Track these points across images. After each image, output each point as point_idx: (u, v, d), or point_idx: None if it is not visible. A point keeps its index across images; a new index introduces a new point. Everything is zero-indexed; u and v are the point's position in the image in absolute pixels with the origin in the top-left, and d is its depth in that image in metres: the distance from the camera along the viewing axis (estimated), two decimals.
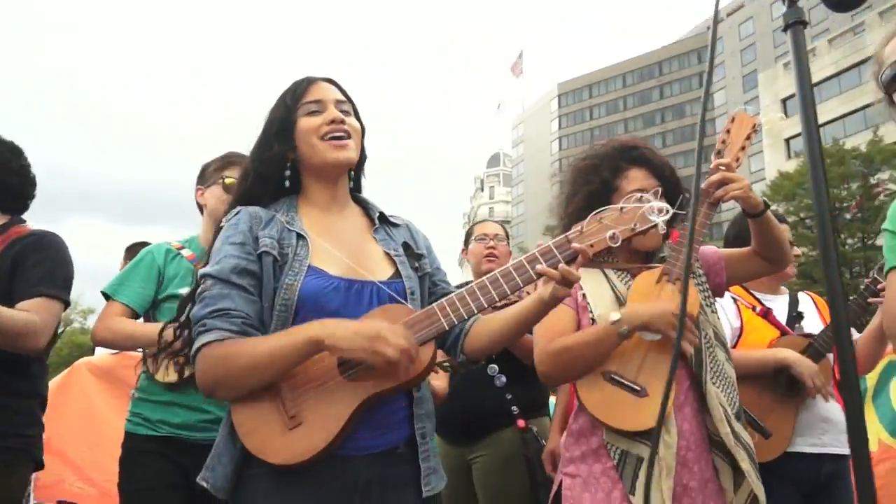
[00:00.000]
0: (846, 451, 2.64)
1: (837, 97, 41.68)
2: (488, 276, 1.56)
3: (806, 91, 1.01)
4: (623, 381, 1.87)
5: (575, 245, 1.53)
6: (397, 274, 1.69)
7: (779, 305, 2.78)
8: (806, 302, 2.86)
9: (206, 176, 2.68)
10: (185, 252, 2.62)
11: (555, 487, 2.02)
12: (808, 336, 2.62)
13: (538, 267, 1.53)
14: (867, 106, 39.03)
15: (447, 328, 1.54)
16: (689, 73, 70.67)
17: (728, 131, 2.09)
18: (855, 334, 2.81)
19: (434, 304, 1.55)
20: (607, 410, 1.87)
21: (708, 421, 1.91)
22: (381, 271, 1.68)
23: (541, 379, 2.02)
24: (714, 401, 1.90)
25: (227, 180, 2.60)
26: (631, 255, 2.13)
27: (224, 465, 1.52)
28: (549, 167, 78.34)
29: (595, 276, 2.06)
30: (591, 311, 1.99)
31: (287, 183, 1.73)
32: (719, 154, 2.05)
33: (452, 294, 1.57)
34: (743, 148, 2.04)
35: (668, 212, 1.50)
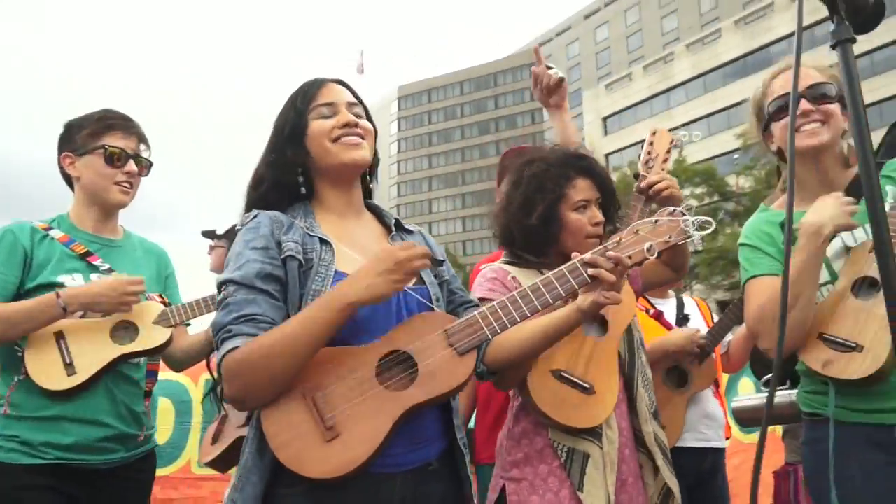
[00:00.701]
0: (724, 444, 2.89)
1: (649, 119, 46.05)
2: (529, 285, 1.54)
3: (859, 109, 1.00)
4: (572, 378, 1.88)
5: (611, 253, 1.53)
6: (420, 280, 1.65)
7: (668, 308, 2.97)
8: (691, 305, 3.10)
9: (79, 142, 2.20)
10: (55, 233, 2.15)
11: (495, 494, 1.95)
12: None
13: (591, 270, 1.52)
14: (674, 129, 43.58)
15: (490, 338, 1.51)
16: (522, 86, 74.57)
17: (651, 143, 2.24)
18: (729, 336, 3.07)
19: (475, 313, 1.52)
20: (558, 408, 1.87)
21: (634, 420, 1.98)
22: None
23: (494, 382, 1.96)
24: (642, 402, 1.98)
25: (111, 149, 2.19)
26: (564, 259, 2.12)
27: (254, 485, 1.40)
28: (387, 169, 78.75)
29: (533, 277, 2.03)
30: None
31: (303, 189, 1.67)
32: (647, 164, 2.18)
33: (494, 303, 1.54)
34: (665, 160, 2.19)
35: (704, 226, 1.53)
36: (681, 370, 2.75)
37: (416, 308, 1.57)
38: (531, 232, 2.02)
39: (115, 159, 2.20)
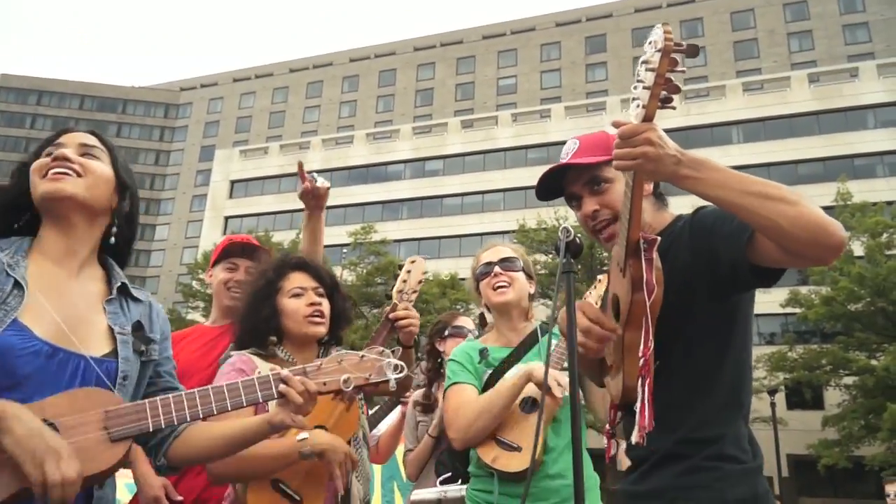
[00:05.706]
0: None
1: (276, 194, 47.86)
2: (213, 386, 1.51)
3: (572, 325, 1.52)
4: (287, 490, 2.07)
5: (309, 384, 1.53)
6: (114, 353, 1.51)
7: None
8: None
9: None
10: None
11: None
12: None
13: (281, 388, 1.50)
14: (293, 211, 45.97)
15: (151, 430, 1.43)
16: (153, 122, 70.14)
17: (409, 272, 2.55)
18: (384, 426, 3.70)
19: (146, 401, 1.44)
20: None
21: None
22: (95, 346, 1.49)
23: (209, 478, 2.09)
24: (355, 497, 2.20)
25: None
26: (295, 348, 2.29)
27: None
28: None
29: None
30: None
31: (17, 225, 1.60)
32: (401, 292, 2.52)
33: (169, 395, 1.47)
34: (415, 292, 2.54)
35: (402, 370, 1.60)
36: None
37: (96, 381, 1.44)
38: (259, 326, 2.20)
39: None
